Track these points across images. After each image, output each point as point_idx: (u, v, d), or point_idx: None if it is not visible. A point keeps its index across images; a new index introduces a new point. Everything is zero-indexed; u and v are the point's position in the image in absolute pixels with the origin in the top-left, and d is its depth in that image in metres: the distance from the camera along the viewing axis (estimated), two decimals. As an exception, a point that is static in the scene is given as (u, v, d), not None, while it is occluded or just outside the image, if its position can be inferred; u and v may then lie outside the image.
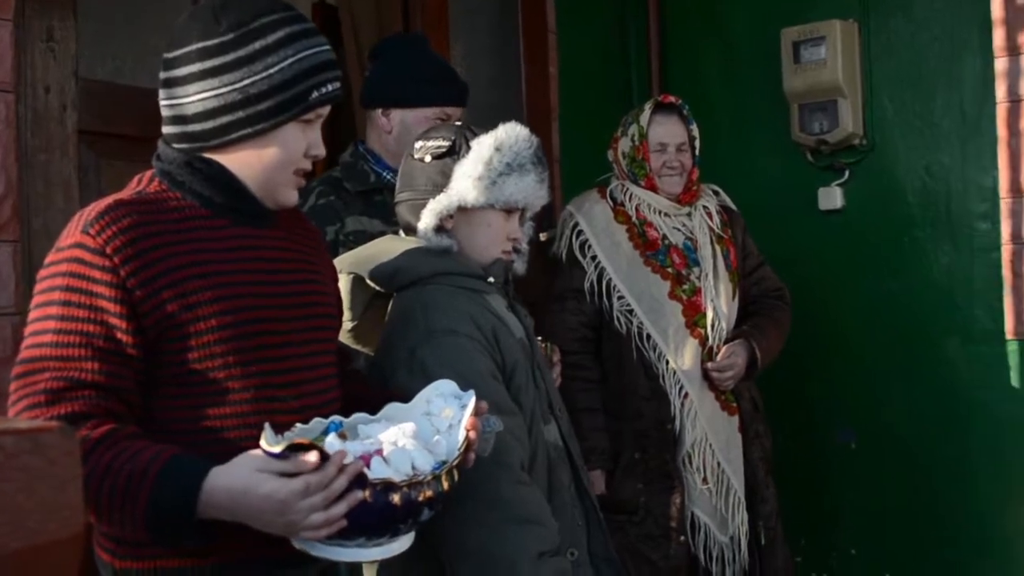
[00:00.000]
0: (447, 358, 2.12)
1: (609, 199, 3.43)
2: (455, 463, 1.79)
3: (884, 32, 4.07)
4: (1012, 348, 3.82)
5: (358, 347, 2.36)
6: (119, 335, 1.75)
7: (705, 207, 3.46)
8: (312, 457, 1.67)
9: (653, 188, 3.40)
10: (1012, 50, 3.79)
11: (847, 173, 4.11)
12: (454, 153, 2.28)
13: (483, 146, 2.26)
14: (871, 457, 4.08)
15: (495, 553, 2.07)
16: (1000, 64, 3.82)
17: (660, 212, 3.40)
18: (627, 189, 3.42)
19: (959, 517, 3.92)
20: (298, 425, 1.78)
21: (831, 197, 4.11)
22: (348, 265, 2.30)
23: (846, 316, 4.12)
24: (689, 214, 3.43)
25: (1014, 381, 3.82)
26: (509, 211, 2.31)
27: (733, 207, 3.59)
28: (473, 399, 1.89)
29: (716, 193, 3.57)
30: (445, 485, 1.76)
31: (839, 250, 4.13)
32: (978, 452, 3.89)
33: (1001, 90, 3.82)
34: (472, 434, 1.85)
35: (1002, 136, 3.81)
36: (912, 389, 4.00)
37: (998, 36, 3.81)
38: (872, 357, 4.08)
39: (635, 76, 4.50)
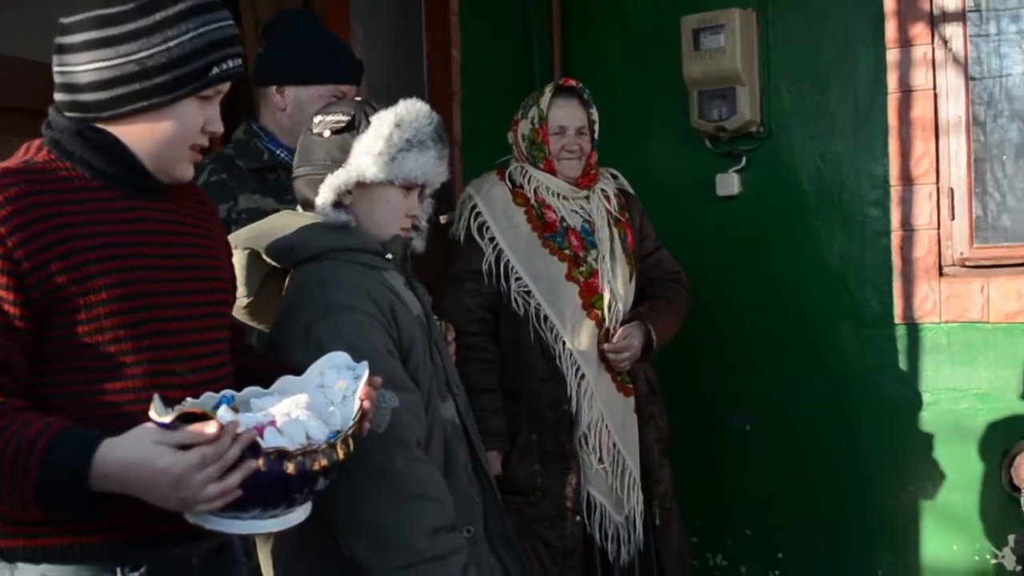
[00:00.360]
0: (343, 334, 2.11)
1: (508, 181, 3.44)
2: (350, 432, 1.79)
3: (782, 22, 4.13)
4: (900, 332, 3.92)
5: (254, 323, 2.34)
6: (6, 307, 1.71)
7: (603, 190, 3.49)
8: (211, 428, 1.66)
9: (552, 171, 3.41)
10: (903, 42, 3.91)
11: (744, 160, 4.17)
12: (353, 128, 2.27)
13: (383, 121, 2.26)
14: (765, 439, 4.15)
15: (390, 528, 2.07)
16: (892, 55, 3.92)
17: (558, 195, 3.42)
18: (526, 171, 3.43)
19: (850, 498, 4.01)
20: (188, 399, 1.76)
21: (728, 183, 4.17)
22: (244, 240, 2.27)
23: (742, 300, 4.19)
24: (587, 197, 3.45)
25: (902, 364, 3.93)
26: (408, 188, 2.31)
27: (631, 191, 3.63)
28: (367, 370, 1.88)
29: (614, 177, 3.60)
30: (340, 454, 1.76)
31: (736, 235, 4.19)
32: (869, 434, 3.98)
33: (892, 81, 3.93)
34: (367, 404, 1.85)
35: (893, 126, 3.92)
36: (805, 372, 4.08)
37: (890, 28, 3.92)
38: (767, 341, 4.15)
39: (537, 60, 4.51)
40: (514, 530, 2.46)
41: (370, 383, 1.88)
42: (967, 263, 3.83)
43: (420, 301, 2.35)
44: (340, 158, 2.26)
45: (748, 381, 4.18)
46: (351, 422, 1.79)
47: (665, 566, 3.47)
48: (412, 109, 2.29)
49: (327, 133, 2.29)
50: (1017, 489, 3.11)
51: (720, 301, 4.17)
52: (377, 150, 2.24)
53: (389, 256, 2.30)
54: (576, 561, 3.32)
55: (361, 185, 2.27)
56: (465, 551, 2.15)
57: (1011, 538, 3.60)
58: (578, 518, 3.31)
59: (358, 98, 2.45)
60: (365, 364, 1.90)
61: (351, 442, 1.80)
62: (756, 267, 4.16)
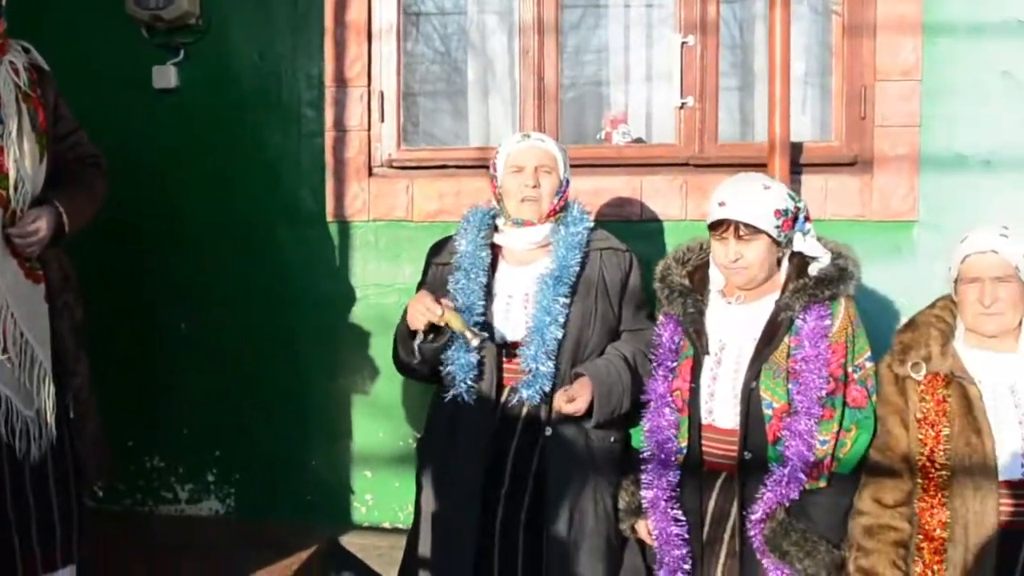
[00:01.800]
0: None
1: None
2: None
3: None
4: (333, 230, 4.04)
5: None
6: None
7: (12, 63, 3.26)
8: None
9: (-49, 38, 3.15)
10: (340, -54, 3.99)
11: (182, 53, 4.09)
12: None
13: None
14: (202, 336, 4.13)
15: None
16: (329, -40, 4.00)
17: (-43, 64, 3.16)
18: (-80, 39, 3.13)
19: (286, 391, 4.10)
20: None
21: (165, 76, 4.07)
22: None
23: (180, 195, 4.12)
24: (-7, 69, 3.22)
25: (336, 261, 4.05)
26: None
27: (45, 66, 3.40)
28: None
29: (26, 50, 3.36)
30: None
31: (174, 130, 4.11)
32: (304, 329, 4.08)
33: (330, -16, 4.01)
34: None
35: (329, 28, 4.01)
36: (243, 269, 4.10)
37: (324, -67, 3.99)
38: (205, 237, 4.12)
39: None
40: None
41: None
42: (394, 164, 4.01)
43: None
44: None
45: (187, 277, 4.12)
46: None
47: (80, 460, 3.35)
48: None
49: None
50: None
51: (157, 195, 4.08)
52: None
53: None
54: (-22, 458, 3.12)
55: None
56: None
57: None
58: (-20, 413, 3.11)
59: None
60: None
61: None
62: (193, 162, 4.11)
